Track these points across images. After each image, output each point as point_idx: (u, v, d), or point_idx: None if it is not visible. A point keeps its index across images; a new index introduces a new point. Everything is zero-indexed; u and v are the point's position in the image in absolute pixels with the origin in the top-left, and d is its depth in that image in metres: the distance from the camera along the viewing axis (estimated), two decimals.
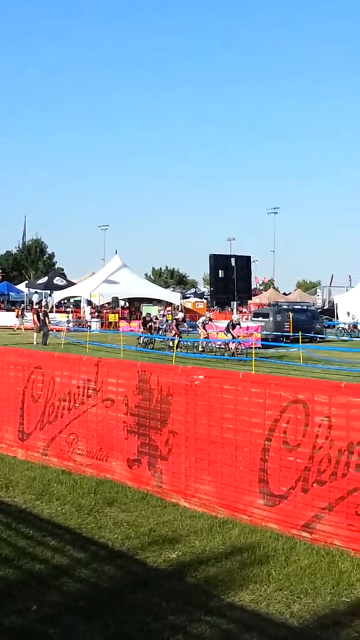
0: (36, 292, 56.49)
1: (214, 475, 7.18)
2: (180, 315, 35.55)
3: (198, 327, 31.41)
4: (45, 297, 53.64)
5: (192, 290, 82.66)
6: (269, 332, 34.16)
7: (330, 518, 6.17)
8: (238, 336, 29.40)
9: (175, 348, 29.29)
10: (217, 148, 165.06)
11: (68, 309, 56.18)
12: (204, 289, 79.07)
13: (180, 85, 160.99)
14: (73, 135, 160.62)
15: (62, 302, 57.13)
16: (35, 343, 31.22)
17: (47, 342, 31.50)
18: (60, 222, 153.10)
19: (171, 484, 7.60)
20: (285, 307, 43.02)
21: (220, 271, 35.17)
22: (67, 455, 8.96)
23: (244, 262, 36.98)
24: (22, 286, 65.09)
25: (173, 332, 30.96)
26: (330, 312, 53.15)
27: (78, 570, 5.69)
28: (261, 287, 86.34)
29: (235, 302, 36.51)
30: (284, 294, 77.15)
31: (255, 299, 63.18)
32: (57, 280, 59.51)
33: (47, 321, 33.24)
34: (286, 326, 36.20)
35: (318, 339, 35.86)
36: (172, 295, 56.39)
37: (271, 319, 37.35)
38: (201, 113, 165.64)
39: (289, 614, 4.95)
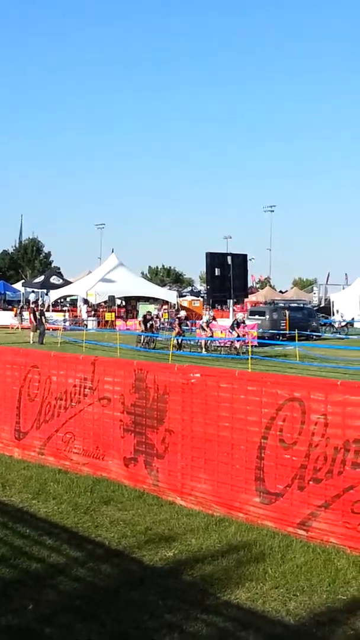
0: (33, 291, 56.41)
1: (210, 474, 7.18)
2: (183, 313, 35.29)
3: (202, 326, 31.21)
4: (41, 296, 53.58)
5: (189, 288, 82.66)
6: (265, 330, 34.16)
7: (326, 516, 6.17)
8: (244, 334, 29.19)
9: (179, 347, 29.26)
10: (216, 148, 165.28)
11: (64, 308, 56.13)
12: (201, 287, 79.02)
13: (180, 85, 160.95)
14: (73, 135, 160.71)
15: (59, 301, 57.10)
16: (31, 342, 31.22)
17: (43, 341, 31.49)
18: (57, 221, 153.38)
19: (167, 483, 7.61)
20: (282, 305, 43.10)
21: (216, 269, 35.14)
22: (63, 454, 8.96)
23: (241, 260, 36.96)
24: (18, 285, 64.99)
25: (176, 330, 30.82)
26: (326, 310, 53.29)
27: (74, 569, 5.69)
28: (257, 285, 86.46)
29: (231, 301, 36.47)
30: (281, 292, 77.27)
31: (252, 297, 63.23)
32: (54, 279, 59.40)
33: (43, 320, 33.21)
34: (282, 324, 36.23)
35: (314, 336, 35.87)
36: (168, 294, 56.40)
37: (267, 317, 37.34)
38: (201, 113, 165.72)
39: (285, 611, 4.96)
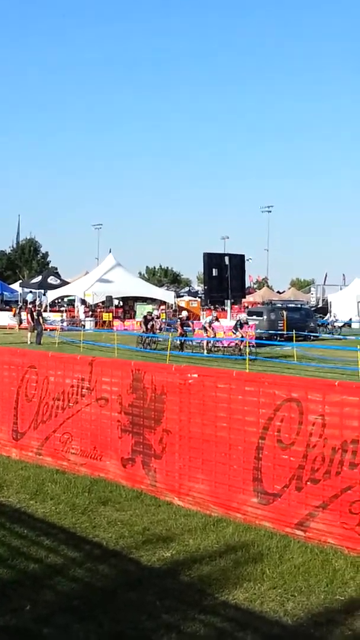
0: (30, 292, 56.38)
1: (208, 474, 7.18)
2: (185, 314, 35.12)
3: (204, 326, 31.07)
4: (39, 297, 53.55)
5: (186, 288, 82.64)
6: (263, 331, 34.16)
7: (324, 516, 6.17)
8: (252, 336, 28.98)
9: (181, 348, 29.15)
10: (216, 148, 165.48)
11: (62, 308, 56.09)
12: (198, 287, 79.03)
13: (180, 85, 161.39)
14: (73, 135, 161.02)
15: (56, 301, 57.04)
16: (29, 342, 31.18)
17: (41, 341, 31.47)
18: (54, 222, 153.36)
19: (165, 483, 7.60)
20: (279, 305, 43.02)
21: (214, 270, 35.13)
22: (61, 455, 8.95)
23: (238, 261, 36.97)
24: (15, 285, 64.96)
25: (178, 331, 30.64)
26: (324, 310, 53.30)
27: (72, 569, 5.69)
28: (255, 286, 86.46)
29: (229, 301, 36.45)
30: (278, 292, 77.24)
31: (249, 298, 63.25)
32: (51, 280, 59.40)
33: (40, 320, 33.19)
34: (280, 324, 36.23)
35: (312, 337, 35.89)
36: (166, 294, 56.41)
37: (265, 317, 37.33)
38: (201, 113, 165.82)
39: (283, 612, 4.96)
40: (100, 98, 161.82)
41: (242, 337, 28.18)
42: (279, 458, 6.56)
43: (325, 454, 6.19)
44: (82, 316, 48.27)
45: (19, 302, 53.09)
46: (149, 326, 31.37)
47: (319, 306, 57.07)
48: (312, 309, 50.41)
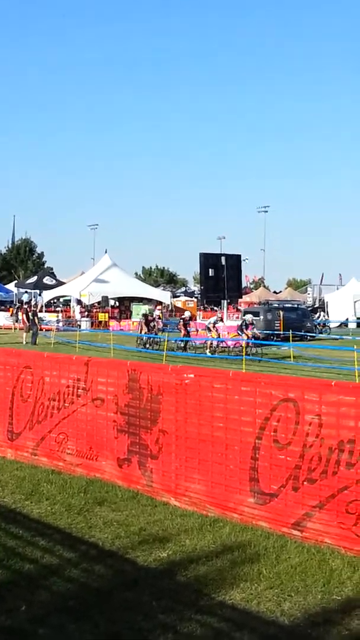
0: (26, 292, 56.34)
1: (204, 474, 7.16)
2: (187, 314, 34.89)
3: (208, 326, 30.90)
4: (34, 297, 53.52)
5: (183, 289, 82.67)
6: (259, 331, 34.11)
7: (321, 516, 6.16)
8: (258, 337, 28.81)
9: (184, 349, 29.05)
10: (216, 148, 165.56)
11: (58, 309, 56.10)
12: (194, 287, 79.04)
13: (180, 85, 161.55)
14: (73, 135, 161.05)
15: (52, 301, 57.05)
16: (24, 342, 31.16)
17: (36, 341, 31.46)
18: (50, 222, 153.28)
19: (161, 483, 7.58)
20: (276, 305, 43.03)
21: (210, 270, 35.17)
22: (56, 455, 8.93)
23: (234, 261, 37.02)
24: (11, 286, 64.91)
25: (182, 332, 30.45)
26: (320, 310, 53.32)
27: (68, 570, 5.67)
28: (251, 286, 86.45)
29: (225, 301, 36.47)
30: (275, 292, 77.25)
31: (246, 298, 63.26)
32: (47, 280, 59.41)
33: (36, 320, 33.16)
34: (277, 325, 36.22)
35: (308, 337, 35.90)
36: (162, 294, 56.44)
37: (262, 317, 37.33)
38: (201, 113, 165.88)
39: (280, 612, 4.94)
40: (100, 98, 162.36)
41: (248, 338, 27.89)
42: (275, 458, 6.54)
43: (321, 453, 6.17)
44: (78, 316, 48.25)
45: (15, 303, 53.02)
46: (150, 326, 31.17)
47: (316, 306, 57.08)
48: (309, 309, 50.43)
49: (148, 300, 52.09)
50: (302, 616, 4.88)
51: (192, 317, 41.39)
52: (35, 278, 60.97)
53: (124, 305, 54.41)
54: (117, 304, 54.72)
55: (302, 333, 34.87)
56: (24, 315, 34.22)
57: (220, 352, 29.28)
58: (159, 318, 33.96)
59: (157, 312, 36.93)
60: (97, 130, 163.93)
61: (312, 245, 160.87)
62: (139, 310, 44.31)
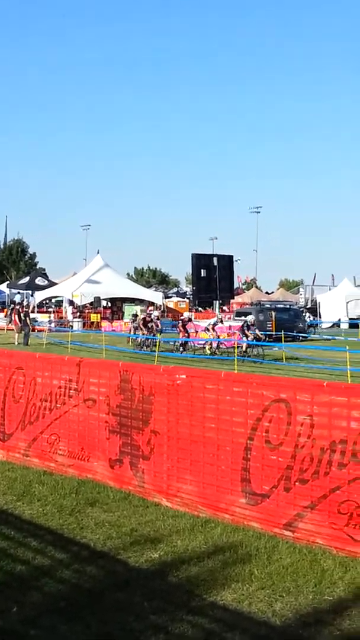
0: (18, 293, 56.25)
1: (196, 475, 7.16)
2: (187, 315, 34.72)
3: (207, 327, 30.76)
4: (26, 297, 53.42)
5: (175, 289, 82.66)
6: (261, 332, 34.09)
7: (312, 517, 6.17)
8: (260, 338, 28.65)
9: (183, 350, 28.95)
10: (215, 148, 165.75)
11: (50, 309, 56.00)
12: (187, 288, 79.08)
13: (180, 85, 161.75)
14: (73, 135, 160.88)
15: (44, 302, 56.94)
16: (16, 343, 31.10)
17: (28, 342, 31.40)
18: (42, 223, 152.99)
19: (153, 484, 7.58)
20: (268, 306, 43.06)
21: (202, 270, 35.20)
22: (48, 456, 8.91)
23: (227, 262, 37.11)
24: (3, 286, 64.76)
25: (181, 334, 30.30)
26: (313, 311, 53.43)
27: (59, 571, 5.66)
28: (244, 286, 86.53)
29: (217, 302, 36.47)
30: (267, 293, 77.31)
31: (238, 298, 63.26)
32: (39, 281, 59.30)
33: (28, 321, 33.09)
34: (269, 325, 36.24)
35: (301, 337, 35.93)
36: (154, 295, 56.37)
37: (254, 318, 37.30)
38: (201, 113, 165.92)
39: (271, 612, 4.95)
40: (100, 98, 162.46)
41: (249, 339, 27.66)
42: (267, 459, 6.55)
43: (313, 454, 6.18)
44: (70, 317, 48.18)
45: (7, 303, 52.92)
46: (149, 327, 31.00)
47: (308, 307, 57.18)
48: (301, 309, 50.51)
49: (140, 301, 52.04)
50: (294, 617, 4.89)
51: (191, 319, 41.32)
52: (27, 279, 60.85)
53: (116, 305, 54.36)
54: (109, 304, 54.68)
55: (295, 334, 34.89)
56: (16, 316, 34.16)
57: (221, 353, 29.11)
58: (158, 319, 33.73)
59: (155, 313, 36.80)
60: (97, 130, 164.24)
61: (304, 246, 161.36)
62: (131, 310, 44.26)
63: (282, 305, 44.82)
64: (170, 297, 64.97)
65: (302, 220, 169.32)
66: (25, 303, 46.45)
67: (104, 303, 52.37)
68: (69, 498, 7.62)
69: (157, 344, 25.83)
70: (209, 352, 28.68)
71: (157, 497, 7.49)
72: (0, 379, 9.78)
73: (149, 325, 31.17)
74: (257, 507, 6.59)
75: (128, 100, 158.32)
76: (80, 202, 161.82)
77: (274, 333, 33.27)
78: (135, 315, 38.97)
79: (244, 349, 27.14)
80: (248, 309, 41.43)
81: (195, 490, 7.15)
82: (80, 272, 57.66)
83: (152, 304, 52.59)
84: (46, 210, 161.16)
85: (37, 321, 41.83)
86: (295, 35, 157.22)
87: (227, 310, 41.83)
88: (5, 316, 45.52)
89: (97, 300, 49.79)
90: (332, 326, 47.96)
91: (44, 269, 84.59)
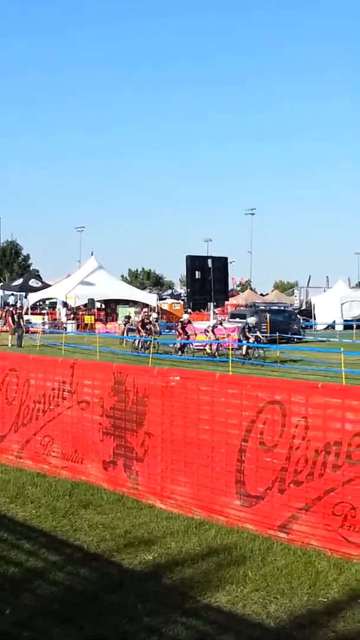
0: (12, 294, 56.14)
1: (190, 477, 7.15)
2: (186, 317, 34.58)
3: (207, 329, 30.64)
4: (20, 299, 53.31)
5: (169, 291, 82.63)
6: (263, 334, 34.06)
7: (307, 518, 6.16)
8: (261, 340, 28.51)
9: (182, 352, 28.87)
10: (215, 148, 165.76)
11: (43, 311, 55.89)
12: (181, 290, 79.01)
13: (180, 85, 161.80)
14: (73, 135, 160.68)
15: (38, 303, 56.84)
16: (10, 345, 31.03)
17: (22, 344, 31.34)
18: (36, 224, 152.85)
19: (147, 486, 7.56)
20: (263, 307, 43.06)
21: (197, 272, 35.01)
22: (41, 458, 8.88)
23: (221, 263, 36.91)
24: None
25: (180, 336, 30.13)
26: (307, 312, 53.47)
27: (53, 573, 5.63)
28: (238, 288, 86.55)
29: (212, 304, 36.40)
30: (262, 294, 77.36)
31: (232, 300, 63.27)
32: (33, 282, 59.24)
33: (21, 323, 33.03)
34: (264, 327, 36.23)
35: (295, 339, 35.92)
36: (148, 297, 56.32)
37: (255, 319, 37.27)
38: (201, 113, 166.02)
39: (266, 614, 4.94)
40: (100, 98, 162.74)
41: (249, 341, 27.42)
42: (261, 460, 6.54)
43: (308, 456, 6.18)
44: (63, 319, 48.10)
45: (0, 305, 52.82)
46: (147, 329, 30.85)
47: (303, 308, 57.21)
48: (296, 311, 50.53)
49: (134, 303, 51.99)
50: (288, 618, 4.88)
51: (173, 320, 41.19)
52: (21, 280, 60.77)
53: (110, 307, 54.24)
54: (103, 306, 54.60)
55: (289, 335, 34.88)
56: (9, 318, 34.10)
57: (220, 355, 28.97)
58: (157, 321, 33.45)
59: (154, 315, 36.60)
60: (97, 130, 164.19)
61: (299, 247, 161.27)
62: (125, 312, 44.22)
63: (276, 307, 44.82)
64: (165, 298, 64.97)
65: (298, 221, 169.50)
66: (18, 305, 46.33)
67: (98, 305, 52.30)
68: (62, 500, 7.59)
69: (157, 346, 25.76)
70: (209, 352, 28.59)
71: (151, 499, 7.47)
72: None
73: (147, 327, 31.02)
74: (252, 509, 6.58)
75: (128, 100, 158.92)
76: (74, 204, 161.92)
77: (268, 335, 33.26)
78: (128, 317, 38.73)
79: (243, 351, 27.09)
80: (242, 311, 41.45)
81: (189, 492, 7.13)
82: (74, 273, 57.56)
83: (147, 305, 52.59)
84: (40, 212, 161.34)
85: (30, 323, 41.73)
86: (295, 35, 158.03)
87: (217, 312, 41.65)
88: (0, 318, 45.43)
89: (91, 302, 49.72)
90: (327, 328, 47.94)
91: (37, 271, 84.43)
